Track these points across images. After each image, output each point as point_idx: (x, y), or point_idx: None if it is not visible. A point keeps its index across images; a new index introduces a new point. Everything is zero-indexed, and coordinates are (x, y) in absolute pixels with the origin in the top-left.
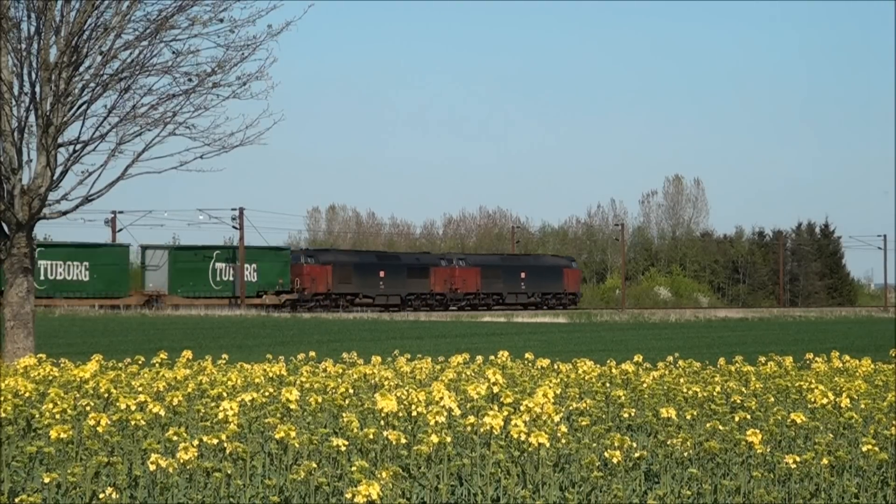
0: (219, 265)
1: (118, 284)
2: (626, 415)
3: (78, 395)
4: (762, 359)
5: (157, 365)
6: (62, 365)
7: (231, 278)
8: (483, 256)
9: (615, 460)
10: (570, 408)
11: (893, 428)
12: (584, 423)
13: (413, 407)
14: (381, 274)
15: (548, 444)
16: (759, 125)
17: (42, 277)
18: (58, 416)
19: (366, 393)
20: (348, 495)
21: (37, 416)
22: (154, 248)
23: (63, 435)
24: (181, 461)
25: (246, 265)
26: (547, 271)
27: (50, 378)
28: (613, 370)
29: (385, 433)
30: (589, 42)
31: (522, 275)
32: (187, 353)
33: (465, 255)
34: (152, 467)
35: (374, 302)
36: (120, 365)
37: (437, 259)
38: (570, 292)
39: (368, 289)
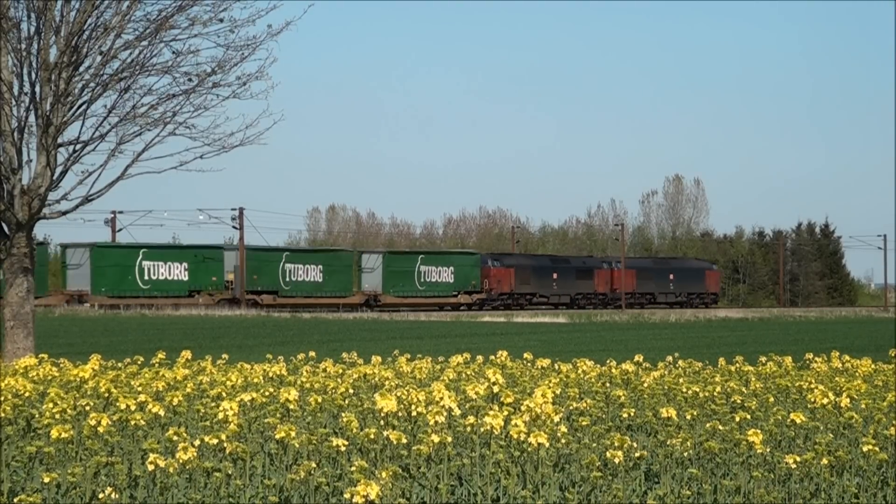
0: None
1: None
2: (625, 415)
3: (78, 395)
4: (762, 359)
5: (156, 365)
6: (62, 365)
7: (436, 279)
8: (637, 260)
9: (615, 460)
10: (570, 408)
11: (893, 428)
12: (584, 423)
13: (413, 407)
14: (554, 276)
15: (547, 444)
16: (760, 125)
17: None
18: (58, 416)
19: (366, 393)
20: (348, 495)
21: (37, 416)
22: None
23: (63, 435)
24: (181, 461)
25: (445, 267)
26: (692, 273)
27: (50, 378)
28: (613, 370)
29: (385, 433)
30: (589, 42)
31: (671, 276)
32: (186, 353)
33: (622, 259)
34: (151, 467)
35: (548, 301)
36: (119, 365)
37: (600, 262)
38: (712, 292)
39: (544, 289)
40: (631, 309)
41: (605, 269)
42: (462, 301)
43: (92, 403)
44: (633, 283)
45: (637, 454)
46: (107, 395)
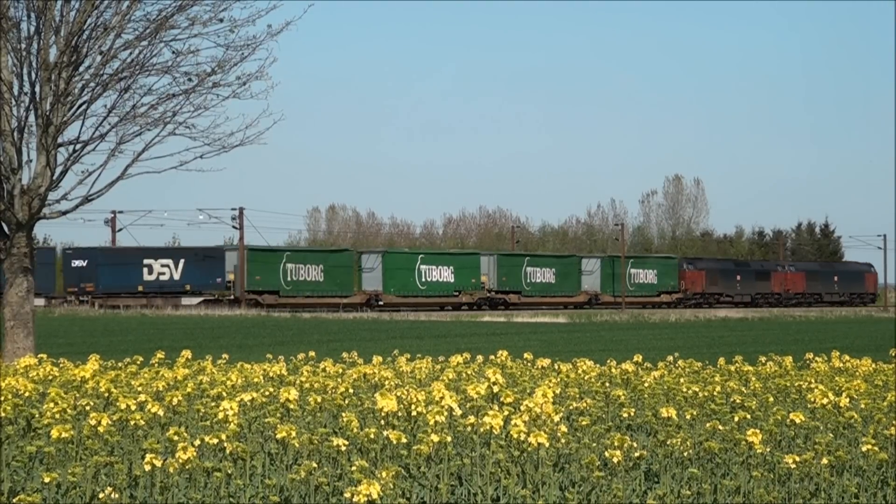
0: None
1: None
2: (625, 414)
3: (78, 395)
4: (762, 359)
5: (156, 365)
6: (62, 365)
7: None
8: (807, 263)
9: (615, 460)
10: (570, 407)
11: (893, 428)
12: (584, 422)
13: (413, 407)
14: (738, 278)
15: (547, 444)
16: (760, 125)
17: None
18: (58, 416)
19: (366, 393)
20: (348, 495)
21: (37, 416)
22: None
23: (63, 435)
24: (180, 461)
25: (644, 270)
26: (854, 275)
27: (50, 378)
28: (613, 370)
29: (385, 433)
30: (589, 42)
31: (835, 278)
32: (187, 353)
33: (794, 263)
34: (148, 468)
35: (732, 300)
36: (119, 365)
37: (775, 265)
38: (871, 292)
39: (729, 290)
40: (799, 307)
41: (780, 272)
42: (664, 300)
43: (92, 403)
44: (804, 285)
45: (637, 454)
46: (107, 395)
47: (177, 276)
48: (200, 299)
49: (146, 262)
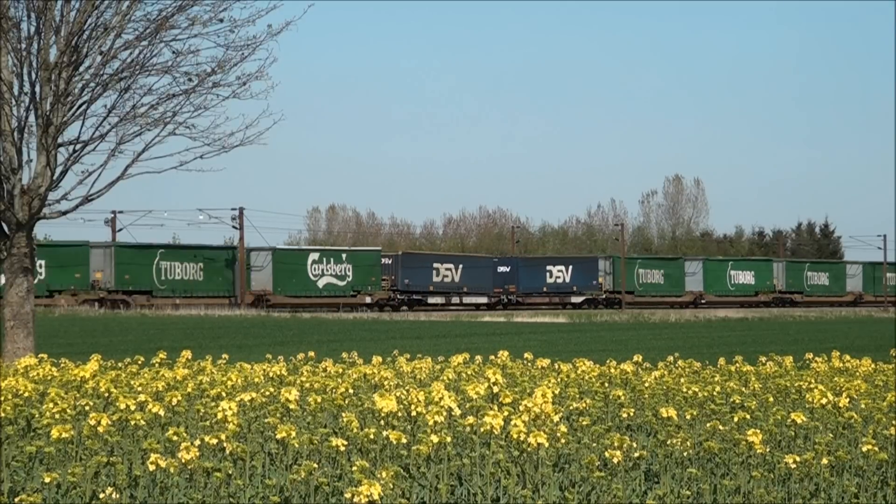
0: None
1: None
2: (625, 415)
3: (78, 395)
4: (762, 359)
5: (156, 365)
6: (62, 365)
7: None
8: None
9: (615, 460)
10: (570, 408)
11: (893, 428)
12: (583, 422)
13: (413, 407)
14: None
15: (547, 444)
16: (759, 125)
17: None
18: (58, 416)
19: (366, 393)
20: (348, 495)
21: (37, 416)
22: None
23: (63, 435)
24: (182, 461)
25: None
26: None
27: (50, 378)
28: (613, 370)
29: (385, 433)
30: (589, 42)
31: None
32: (187, 353)
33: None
34: (152, 467)
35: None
36: (120, 365)
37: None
38: None
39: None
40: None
41: None
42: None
43: (92, 403)
44: None
45: (637, 454)
46: (107, 395)
47: None
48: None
49: None
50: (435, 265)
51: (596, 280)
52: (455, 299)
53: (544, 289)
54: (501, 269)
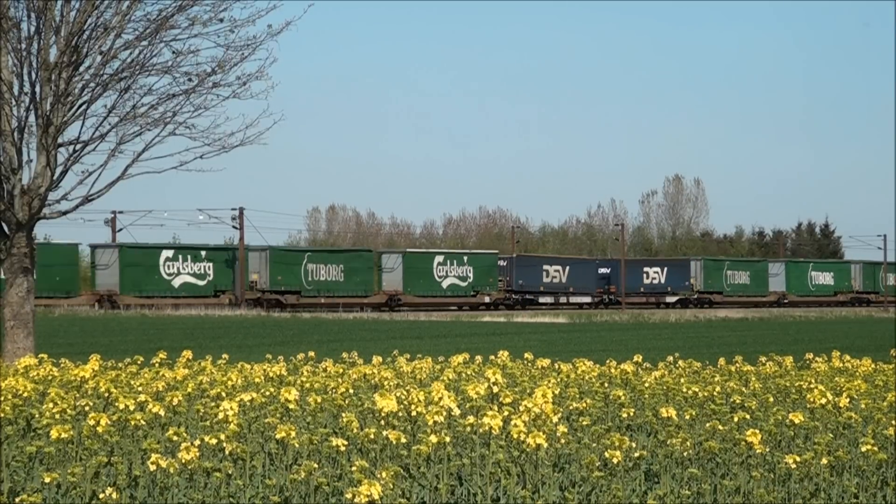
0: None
1: None
2: (625, 415)
3: (78, 395)
4: (762, 359)
5: (156, 365)
6: (62, 365)
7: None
8: None
9: (615, 460)
10: (570, 408)
11: (893, 428)
12: (583, 422)
13: (413, 407)
14: None
15: (546, 445)
16: (759, 125)
17: None
18: (58, 416)
19: (366, 393)
20: (348, 495)
21: (37, 416)
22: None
23: (63, 435)
24: (182, 461)
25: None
26: None
27: (50, 378)
28: (613, 370)
29: (385, 433)
30: (589, 42)
31: None
32: (187, 353)
33: None
34: (152, 467)
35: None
36: (120, 365)
37: None
38: None
39: None
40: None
41: None
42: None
43: (92, 403)
44: None
45: (637, 454)
46: (107, 395)
47: None
48: None
49: None
50: (545, 267)
51: (688, 281)
52: (563, 299)
53: (641, 289)
54: (602, 270)
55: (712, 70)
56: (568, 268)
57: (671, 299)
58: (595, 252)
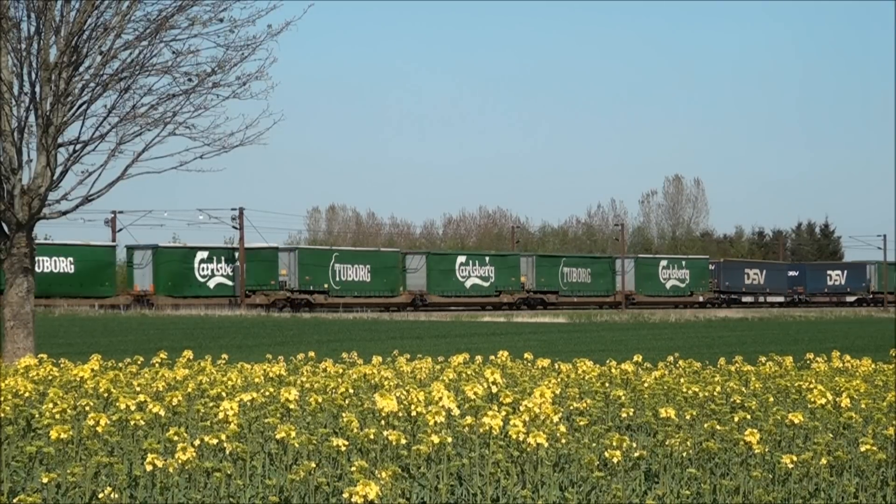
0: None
1: None
2: (625, 415)
3: (78, 395)
4: (762, 359)
5: (156, 365)
6: (62, 365)
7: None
8: None
9: (615, 460)
10: (570, 408)
11: (893, 428)
12: (583, 423)
13: (413, 407)
14: None
15: (546, 445)
16: (759, 125)
17: None
18: (58, 416)
19: (366, 393)
20: (345, 495)
21: (37, 416)
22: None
23: (63, 435)
24: (180, 461)
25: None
26: None
27: (50, 378)
28: (613, 370)
29: (385, 433)
30: (588, 42)
31: None
32: (187, 353)
33: None
34: (149, 468)
35: None
36: (120, 365)
37: None
38: None
39: None
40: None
41: None
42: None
43: (92, 403)
44: None
45: (637, 454)
46: (107, 395)
47: None
48: None
49: None
50: (746, 270)
51: (865, 282)
52: (761, 298)
53: (825, 290)
54: (791, 273)
55: (712, 70)
56: (764, 271)
57: (850, 299)
58: (595, 252)
